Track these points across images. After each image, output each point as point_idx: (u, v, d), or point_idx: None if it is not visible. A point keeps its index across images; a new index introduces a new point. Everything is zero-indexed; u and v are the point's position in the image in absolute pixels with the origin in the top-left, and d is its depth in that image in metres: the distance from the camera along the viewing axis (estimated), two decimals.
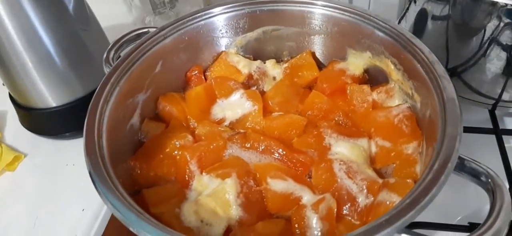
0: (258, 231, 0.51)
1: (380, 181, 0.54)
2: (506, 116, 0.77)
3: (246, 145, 0.60)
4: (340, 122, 0.64)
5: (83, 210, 0.71)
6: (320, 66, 0.73)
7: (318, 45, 0.74)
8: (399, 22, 0.78)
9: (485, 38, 0.64)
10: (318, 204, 0.51)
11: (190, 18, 0.69)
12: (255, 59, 0.75)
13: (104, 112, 0.55)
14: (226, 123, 0.66)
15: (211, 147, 0.59)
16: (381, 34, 0.63)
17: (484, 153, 0.67)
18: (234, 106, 0.67)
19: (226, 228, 0.52)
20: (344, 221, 0.53)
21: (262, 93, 0.70)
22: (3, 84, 0.81)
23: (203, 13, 0.70)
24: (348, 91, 0.65)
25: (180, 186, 0.57)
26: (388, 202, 0.50)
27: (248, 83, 0.72)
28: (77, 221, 0.70)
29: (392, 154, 0.58)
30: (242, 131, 0.64)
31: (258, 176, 0.57)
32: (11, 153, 0.82)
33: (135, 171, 0.59)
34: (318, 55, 0.74)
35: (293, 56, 0.75)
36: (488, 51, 0.65)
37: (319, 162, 0.57)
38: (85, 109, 0.55)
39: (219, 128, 0.64)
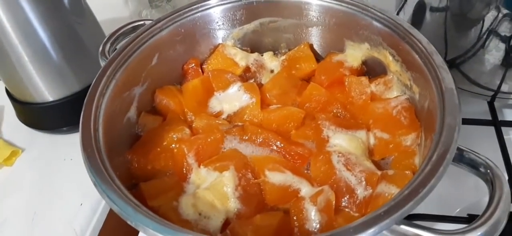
0: (256, 223, 0.50)
1: (379, 173, 0.54)
2: (505, 108, 0.77)
3: (244, 137, 0.60)
4: (338, 114, 0.64)
5: (81, 204, 0.71)
6: (318, 58, 0.73)
7: (315, 37, 0.73)
8: (398, 13, 0.78)
9: (484, 29, 0.63)
10: (316, 196, 0.51)
11: (187, 10, 0.68)
12: (252, 52, 0.75)
13: (100, 105, 0.55)
14: (224, 116, 0.66)
15: (209, 140, 0.59)
16: (379, 25, 0.63)
17: (483, 145, 0.67)
18: (232, 99, 0.66)
19: (224, 220, 0.52)
20: (343, 213, 0.52)
21: (260, 85, 0.69)
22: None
23: (200, 5, 0.70)
24: (346, 83, 0.65)
25: (177, 179, 0.57)
26: (386, 194, 0.50)
27: (246, 76, 0.72)
28: (75, 216, 0.70)
29: (391, 146, 0.57)
30: (239, 124, 0.64)
31: (256, 168, 0.56)
32: (8, 148, 0.82)
33: (132, 165, 0.59)
34: (316, 47, 0.74)
35: (291, 48, 0.74)
36: (486, 42, 0.64)
37: (318, 154, 0.57)
38: (82, 103, 0.55)
39: (217, 121, 0.64)
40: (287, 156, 0.58)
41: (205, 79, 0.69)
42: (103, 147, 0.51)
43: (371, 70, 0.68)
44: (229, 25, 0.73)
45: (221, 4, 0.71)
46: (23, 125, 0.85)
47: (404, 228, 0.41)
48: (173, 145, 0.60)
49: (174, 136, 0.60)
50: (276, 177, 0.54)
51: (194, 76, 0.70)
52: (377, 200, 0.50)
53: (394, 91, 0.64)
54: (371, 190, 0.52)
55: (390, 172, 0.53)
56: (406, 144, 0.57)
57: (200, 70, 0.72)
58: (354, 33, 0.67)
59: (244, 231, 0.49)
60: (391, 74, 0.64)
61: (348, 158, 0.55)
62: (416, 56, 0.56)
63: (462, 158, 0.47)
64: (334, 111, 0.64)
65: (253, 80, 0.72)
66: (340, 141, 0.57)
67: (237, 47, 0.74)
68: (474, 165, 0.47)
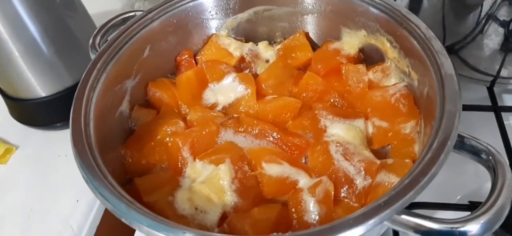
0: (254, 216, 0.50)
1: (378, 162, 0.53)
2: (505, 93, 0.76)
3: (239, 129, 0.59)
4: (336, 103, 0.63)
5: (77, 201, 0.71)
6: (314, 46, 0.72)
7: (311, 25, 0.72)
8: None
9: (483, 13, 0.63)
10: (314, 188, 0.50)
11: (178, 0, 0.67)
12: (247, 41, 0.73)
13: (91, 99, 0.54)
14: (219, 108, 0.65)
15: (204, 132, 0.58)
16: (376, 11, 0.62)
17: (483, 131, 0.67)
18: (227, 90, 0.65)
19: (221, 214, 0.52)
20: (342, 204, 0.52)
21: (255, 76, 0.68)
22: None
23: None
24: (343, 71, 0.64)
25: (173, 174, 0.56)
26: (386, 183, 0.49)
27: (240, 66, 0.71)
28: (71, 212, 0.70)
29: (390, 134, 0.57)
30: (235, 115, 0.63)
31: (252, 161, 0.55)
32: (2, 146, 0.82)
33: (126, 160, 0.58)
34: (311, 35, 0.73)
35: (286, 37, 0.73)
36: (485, 27, 0.64)
37: (315, 145, 0.56)
38: None
39: (212, 113, 0.63)
40: (284, 147, 0.57)
41: (199, 70, 0.68)
42: (94, 142, 0.50)
43: (369, 57, 0.67)
44: (223, 14, 0.71)
45: None
46: (16, 122, 0.84)
47: (405, 218, 0.40)
48: (168, 139, 0.59)
49: (168, 129, 0.59)
50: (273, 169, 0.54)
51: (188, 68, 0.69)
52: (377, 190, 0.50)
53: (392, 78, 0.63)
54: (370, 180, 0.51)
55: (390, 161, 0.53)
56: (405, 132, 0.56)
57: (193, 61, 0.71)
58: (350, 20, 0.66)
59: (242, 224, 0.49)
60: (389, 61, 0.63)
61: (346, 148, 0.54)
62: (415, 42, 0.55)
63: (463, 145, 0.46)
64: (331, 100, 0.63)
65: (248, 70, 0.71)
66: (338, 130, 0.57)
67: (231, 37, 0.73)
68: (475, 152, 0.46)
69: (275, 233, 0.40)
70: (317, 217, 0.49)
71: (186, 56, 0.70)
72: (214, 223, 0.51)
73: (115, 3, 1.12)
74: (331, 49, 0.68)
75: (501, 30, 0.63)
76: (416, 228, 0.39)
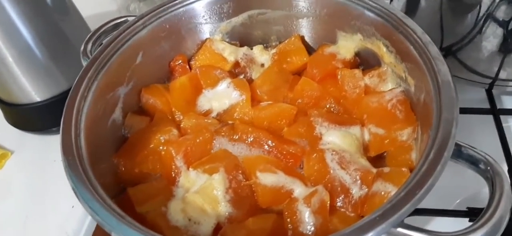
0: (248, 227, 0.49)
1: (374, 170, 0.52)
2: (504, 95, 0.75)
3: (234, 137, 0.58)
4: (332, 109, 0.62)
5: (73, 206, 0.71)
6: (309, 50, 0.71)
7: (306, 29, 0.71)
8: (391, 1, 0.76)
9: (481, 14, 0.62)
10: (310, 197, 0.50)
11: (170, 4, 0.66)
12: (241, 46, 0.73)
13: (82, 109, 0.54)
14: (213, 114, 0.64)
15: (198, 140, 0.57)
16: (371, 14, 0.61)
17: (482, 134, 0.66)
18: (221, 96, 0.65)
19: (215, 225, 0.51)
20: (338, 213, 0.51)
21: (250, 81, 0.68)
22: None
23: None
24: (339, 76, 0.63)
25: (166, 183, 0.56)
26: (383, 193, 0.49)
27: (235, 71, 0.70)
28: (67, 218, 0.70)
29: (386, 142, 0.56)
30: (230, 122, 0.62)
31: (247, 170, 0.55)
32: None
33: (119, 168, 0.58)
34: (307, 38, 0.72)
35: (282, 40, 0.72)
36: (483, 28, 0.63)
37: (311, 153, 0.55)
38: None
39: (206, 120, 0.62)
40: (279, 155, 0.56)
41: (193, 76, 0.67)
42: (85, 153, 0.50)
43: (365, 62, 0.67)
44: (216, 18, 0.71)
45: None
46: (11, 127, 0.84)
47: (402, 231, 0.39)
48: (161, 147, 0.58)
49: (161, 137, 0.59)
50: (268, 178, 0.53)
51: (182, 73, 0.68)
52: (373, 199, 0.49)
53: (388, 83, 0.62)
54: (366, 189, 0.51)
55: (386, 169, 0.52)
56: (402, 139, 0.55)
57: (187, 66, 0.70)
58: (346, 24, 0.66)
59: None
60: (385, 66, 0.63)
61: (342, 156, 0.53)
62: (411, 47, 0.55)
63: (461, 154, 0.45)
64: (327, 106, 0.62)
65: (243, 75, 0.70)
66: (334, 138, 0.56)
67: (225, 41, 0.72)
68: (473, 162, 0.45)
69: None
70: (312, 228, 0.48)
71: (180, 61, 0.69)
72: (208, 235, 0.50)
73: (110, 4, 1.12)
74: (327, 53, 0.67)
75: (499, 31, 0.62)
76: None
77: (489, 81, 0.70)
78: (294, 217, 0.49)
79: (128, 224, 0.42)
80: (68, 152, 0.48)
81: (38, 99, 0.77)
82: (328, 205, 0.50)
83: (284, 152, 0.56)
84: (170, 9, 0.66)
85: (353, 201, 0.51)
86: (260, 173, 0.53)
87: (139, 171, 0.57)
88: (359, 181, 0.51)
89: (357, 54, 0.67)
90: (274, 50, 0.71)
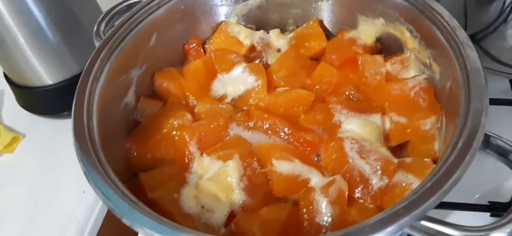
0: (263, 216, 0.48)
1: (396, 161, 0.50)
2: None
3: (249, 124, 0.57)
4: (351, 96, 0.60)
5: (84, 192, 0.71)
6: (328, 35, 0.69)
7: (326, 12, 0.69)
8: None
9: (507, 2, 0.60)
10: (327, 187, 0.48)
11: None
12: (257, 29, 0.71)
13: (94, 91, 0.53)
14: (228, 100, 0.63)
15: (212, 126, 0.56)
16: None
17: (504, 127, 0.64)
18: (236, 81, 0.63)
19: (229, 213, 0.50)
20: (356, 204, 0.49)
21: (266, 66, 0.66)
22: None
23: None
24: (359, 62, 0.61)
25: (179, 169, 0.55)
26: (404, 184, 0.47)
27: (251, 56, 0.69)
28: (77, 204, 0.70)
29: (408, 131, 0.54)
30: (245, 108, 0.61)
31: (262, 157, 0.53)
32: (9, 134, 0.82)
33: (131, 153, 0.57)
34: (326, 23, 0.70)
35: (299, 24, 0.71)
36: (509, 16, 0.61)
37: (329, 141, 0.54)
38: None
39: (220, 105, 0.61)
40: (296, 143, 0.55)
41: (207, 60, 0.66)
42: (97, 136, 0.49)
43: (386, 47, 0.65)
44: (232, 0, 0.69)
45: None
46: (23, 110, 0.84)
47: (425, 224, 0.38)
48: (174, 132, 0.57)
49: (175, 122, 0.58)
50: (284, 166, 0.51)
51: (196, 57, 0.67)
52: (394, 191, 0.48)
53: (411, 70, 0.60)
54: (387, 180, 0.49)
55: (408, 160, 0.50)
56: (425, 129, 0.54)
57: (202, 50, 0.69)
58: (367, 7, 0.64)
59: (250, 225, 0.47)
60: (408, 52, 0.61)
61: (362, 145, 0.52)
62: (438, 32, 0.53)
63: (489, 145, 0.44)
64: (346, 93, 0.60)
65: (258, 60, 0.68)
66: (353, 126, 0.54)
67: (241, 24, 0.71)
68: (502, 153, 0.43)
69: None
70: (329, 219, 0.46)
71: (194, 44, 0.68)
72: (221, 223, 0.49)
73: None
74: (346, 38, 0.65)
75: None
76: None
77: None
78: (311, 207, 0.48)
79: (140, 210, 0.41)
80: (80, 135, 0.47)
81: (50, 82, 0.77)
82: (346, 195, 0.48)
83: (301, 140, 0.55)
84: None
85: (372, 192, 0.49)
86: (276, 161, 0.52)
87: (151, 156, 0.56)
88: (379, 172, 0.49)
89: (378, 39, 0.65)
90: (291, 34, 0.69)
